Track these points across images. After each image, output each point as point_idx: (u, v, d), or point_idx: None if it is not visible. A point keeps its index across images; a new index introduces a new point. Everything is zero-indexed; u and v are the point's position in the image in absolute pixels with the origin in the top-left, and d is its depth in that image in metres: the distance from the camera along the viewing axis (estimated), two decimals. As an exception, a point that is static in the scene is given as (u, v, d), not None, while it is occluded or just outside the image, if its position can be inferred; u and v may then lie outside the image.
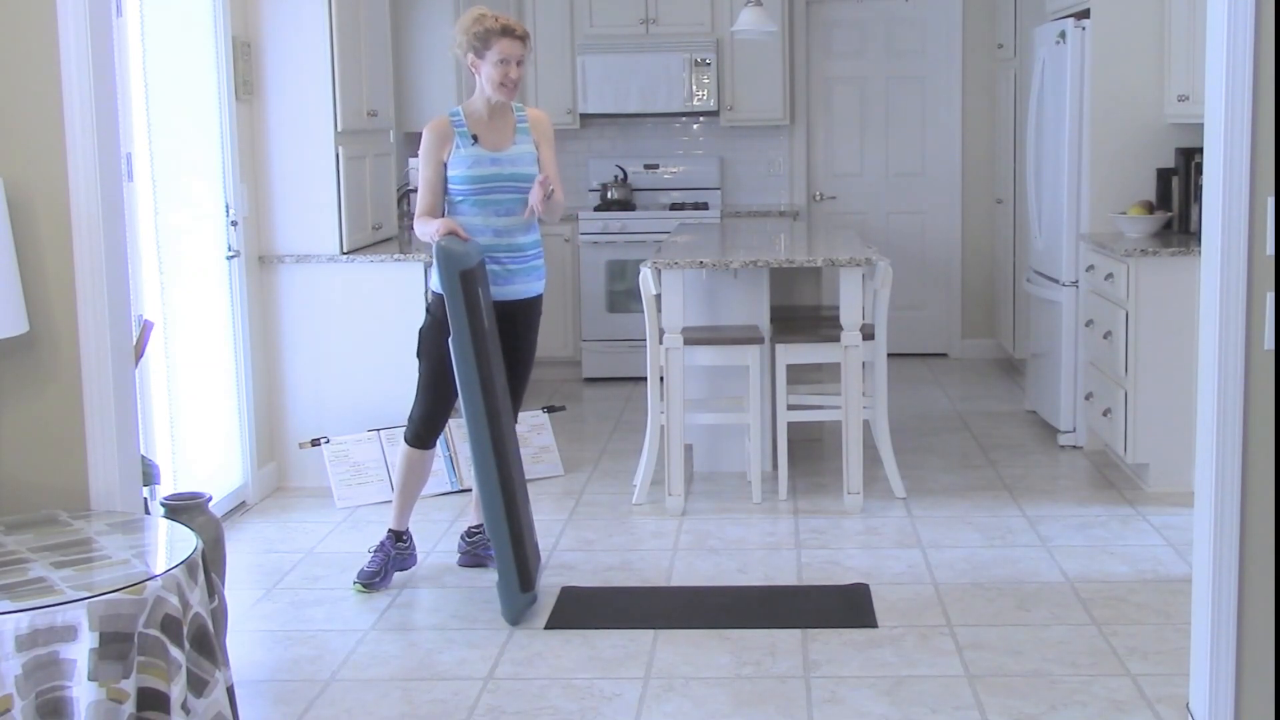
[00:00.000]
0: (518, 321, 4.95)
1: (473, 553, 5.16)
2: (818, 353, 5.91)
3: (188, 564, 3.12)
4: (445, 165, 4.85)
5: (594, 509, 5.82)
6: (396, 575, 5.02)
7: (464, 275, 4.52)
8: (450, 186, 4.86)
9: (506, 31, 4.80)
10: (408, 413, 4.84)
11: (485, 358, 4.57)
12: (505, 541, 4.57)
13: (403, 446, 5.02)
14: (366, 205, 6.46)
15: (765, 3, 7.81)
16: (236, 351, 5.94)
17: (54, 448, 3.54)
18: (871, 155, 9.34)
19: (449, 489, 6.13)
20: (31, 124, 3.46)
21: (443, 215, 4.86)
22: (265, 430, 6.17)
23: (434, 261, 4.60)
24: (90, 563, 3.13)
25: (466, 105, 4.94)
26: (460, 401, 4.59)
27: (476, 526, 5.18)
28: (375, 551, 5.01)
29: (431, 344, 4.86)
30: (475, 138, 4.85)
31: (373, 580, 4.90)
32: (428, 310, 4.95)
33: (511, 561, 4.56)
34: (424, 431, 4.97)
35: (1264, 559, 3.28)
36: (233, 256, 5.87)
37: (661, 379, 5.87)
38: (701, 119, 9.20)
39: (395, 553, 5.01)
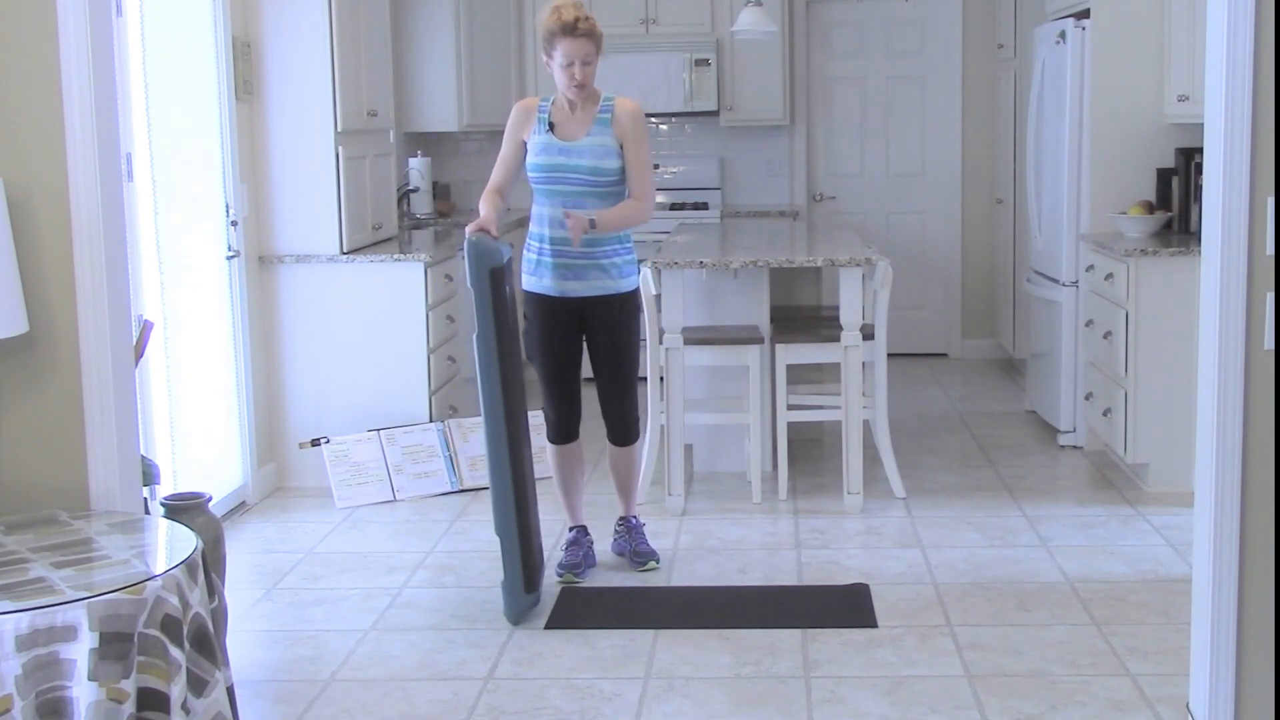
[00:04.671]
0: (589, 320, 4.92)
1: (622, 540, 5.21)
2: (818, 353, 5.91)
3: (188, 564, 3.12)
4: (525, 145, 4.86)
5: (594, 509, 5.81)
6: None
7: (493, 273, 4.55)
8: (528, 172, 4.87)
9: (567, 30, 4.71)
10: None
11: (508, 357, 4.57)
12: (514, 541, 4.57)
13: (547, 445, 5.12)
14: (366, 205, 6.46)
15: (765, 3, 7.81)
16: (236, 351, 5.93)
17: (54, 448, 3.54)
18: (871, 155, 9.34)
19: (449, 489, 6.13)
20: (31, 124, 3.46)
21: (504, 194, 4.85)
22: (265, 430, 6.17)
23: (464, 256, 4.61)
24: (90, 563, 3.13)
25: (558, 94, 4.89)
26: (479, 397, 4.61)
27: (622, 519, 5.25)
28: (570, 546, 5.09)
29: (534, 344, 4.92)
30: (552, 125, 4.83)
31: (577, 569, 5.00)
32: (524, 315, 4.96)
33: (518, 562, 4.56)
34: (562, 429, 5.05)
35: (1264, 559, 3.28)
36: (233, 256, 5.87)
37: (661, 379, 5.87)
38: (701, 119, 9.19)
39: (586, 545, 5.12)
